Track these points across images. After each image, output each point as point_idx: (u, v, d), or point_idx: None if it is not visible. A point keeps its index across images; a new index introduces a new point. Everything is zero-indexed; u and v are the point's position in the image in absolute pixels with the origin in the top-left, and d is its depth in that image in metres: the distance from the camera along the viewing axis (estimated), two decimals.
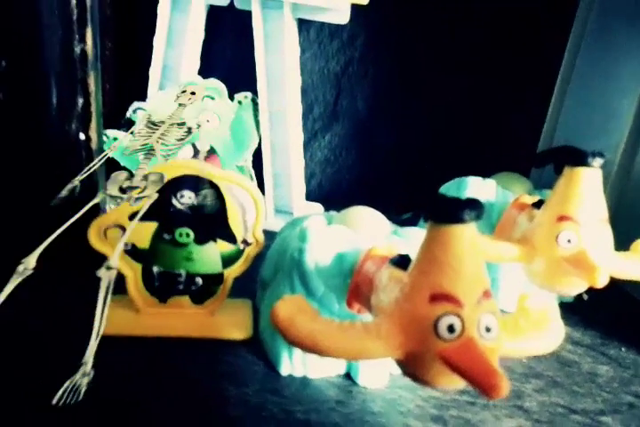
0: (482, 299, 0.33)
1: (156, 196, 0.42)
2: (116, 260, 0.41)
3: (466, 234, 0.33)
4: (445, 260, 0.33)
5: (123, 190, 0.43)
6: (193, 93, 0.46)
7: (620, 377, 0.53)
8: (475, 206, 0.33)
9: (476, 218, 0.33)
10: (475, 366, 0.31)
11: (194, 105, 0.65)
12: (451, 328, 0.32)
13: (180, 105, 0.51)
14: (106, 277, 0.41)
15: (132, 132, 0.45)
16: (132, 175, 0.43)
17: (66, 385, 0.40)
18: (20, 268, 0.41)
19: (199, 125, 0.46)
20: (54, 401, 0.39)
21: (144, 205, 0.43)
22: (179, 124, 0.46)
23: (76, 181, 0.46)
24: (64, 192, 0.46)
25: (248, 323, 0.53)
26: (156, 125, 0.46)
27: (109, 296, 0.41)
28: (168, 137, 0.46)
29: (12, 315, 0.43)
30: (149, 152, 0.45)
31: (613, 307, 0.64)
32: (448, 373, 0.33)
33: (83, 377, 0.40)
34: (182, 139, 0.48)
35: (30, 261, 0.41)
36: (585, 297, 0.51)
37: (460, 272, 0.33)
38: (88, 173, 0.46)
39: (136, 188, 0.42)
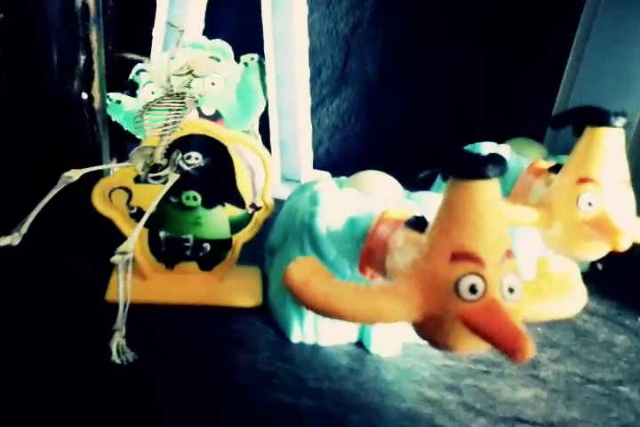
0: (504, 258, 0.32)
1: (177, 176, 0.42)
2: (132, 245, 0.41)
3: (489, 190, 0.31)
4: (467, 217, 0.31)
5: (147, 166, 0.42)
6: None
7: (636, 347, 0.52)
8: (498, 162, 0.32)
9: (499, 174, 0.31)
10: (499, 327, 0.30)
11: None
12: (473, 289, 0.31)
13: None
14: (121, 263, 0.40)
15: (148, 108, 0.44)
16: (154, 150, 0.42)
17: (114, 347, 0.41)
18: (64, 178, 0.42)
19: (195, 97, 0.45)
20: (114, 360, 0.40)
21: (167, 185, 0.42)
22: (178, 97, 0.45)
23: None
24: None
25: (257, 290, 0.52)
26: (167, 99, 0.45)
27: (129, 275, 0.41)
28: (182, 111, 0.45)
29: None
30: (168, 128, 0.44)
31: (629, 276, 0.63)
32: (469, 335, 0.31)
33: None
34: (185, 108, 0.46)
35: (77, 173, 0.42)
36: (599, 267, 0.50)
37: (483, 230, 0.31)
38: None
39: (159, 166, 0.41)
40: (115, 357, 0.40)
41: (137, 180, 0.47)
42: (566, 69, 0.77)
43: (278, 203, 0.53)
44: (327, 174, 0.78)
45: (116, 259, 0.40)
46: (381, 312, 0.33)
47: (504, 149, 0.62)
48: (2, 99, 0.46)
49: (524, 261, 0.52)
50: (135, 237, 0.41)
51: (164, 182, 0.45)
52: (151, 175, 0.44)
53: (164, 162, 0.44)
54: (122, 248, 0.41)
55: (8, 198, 0.49)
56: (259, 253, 0.54)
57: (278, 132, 0.72)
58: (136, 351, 0.42)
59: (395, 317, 0.33)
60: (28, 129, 0.48)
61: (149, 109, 0.43)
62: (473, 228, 0.31)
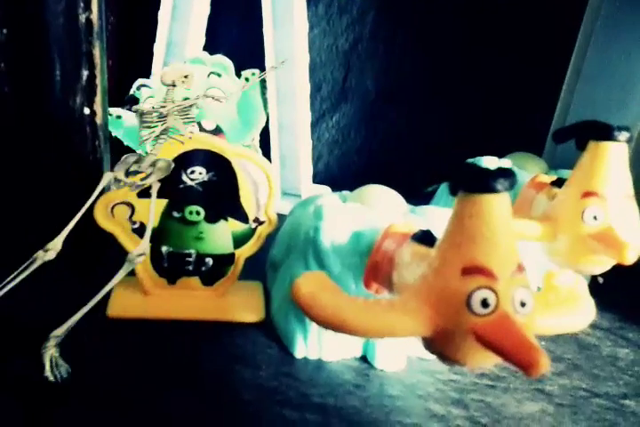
0: (516, 272, 0.31)
1: (157, 185, 0.41)
2: (147, 246, 0.41)
3: (499, 204, 0.31)
4: (478, 231, 0.31)
5: (128, 174, 0.42)
6: (186, 77, 0.45)
7: None
8: (508, 176, 0.31)
9: (509, 187, 0.31)
10: (512, 341, 0.29)
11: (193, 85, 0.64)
12: (484, 303, 0.31)
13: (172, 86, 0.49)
14: (132, 263, 0.41)
15: (143, 123, 0.44)
16: (140, 159, 0.42)
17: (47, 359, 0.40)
18: (41, 254, 0.41)
19: (198, 98, 0.45)
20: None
21: (152, 194, 0.42)
22: (182, 108, 0.45)
23: None
24: None
25: (260, 305, 0.52)
26: (161, 112, 0.45)
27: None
28: (177, 122, 0.45)
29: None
30: (160, 138, 0.44)
31: (630, 289, 0.63)
32: (480, 350, 0.31)
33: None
34: (189, 119, 0.46)
35: (57, 244, 0.41)
36: (600, 280, 0.50)
37: (494, 244, 0.31)
38: None
39: (140, 173, 0.41)
40: (47, 372, 0.39)
41: (139, 195, 0.47)
42: (565, 84, 0.78)
43: (279, 217, 0.52)
44: (327, 189, 0.78)
45: (132, 259, 0.41)
46: (391, 327, 0.32)
47: (505, 164, 0.62)
48: (5, 113, 0.46)
49: (531, 275, 0.52)
50: (148, 239, 0.41)
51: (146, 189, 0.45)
52: (129, 180, 0.43)
53: (148, 170, 0.43)
54: (138, 250, 0.41)
55: (9, 213, 0.49)
56: (260, 268, 0.54)
57: (279, 147, 0.72)
58: (138, 367, 0.42)
59: (405, 331, 0.33)
60: (30, 144, 0.48)
61: (141, 122, 0.44)
62: (484, 242, 0.31)
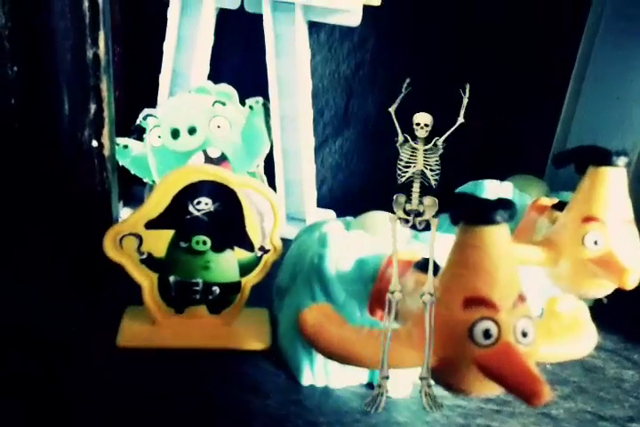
0: (517, 302, 0.32)
1: (436, 221, 0.42)
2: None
3: (499, 235, 0.32)
4: (479, 262, 0.32)
5: (406, 213, 0.43)
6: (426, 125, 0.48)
7: None
8: (507, 207, 0.32)
9: (509, 219, 0.32)
10: (514, 372, 0.30)
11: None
12: (487, 333, 0.31)
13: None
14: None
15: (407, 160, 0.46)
16: (409, 198, 0.43)
17: None
18: None
19: (436, 144, 0.47)
20: None
21: (432, 229, 0.42)
22: (432, 148, 0.46)
23: None
24: None
25: (266, 332, 0.52)
26: (418, 146, 0.46)
27: None
28: (431, 161, 0.46)
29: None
30: (419, 177, 0.45)
31: (633, 310, 0.63)
32: (484, 380, 0.31)
33: None
34: (437, 161, 0.48)
35: None
36: (604, 301, 0.50)
37: (495, 275, 0.32)
38: None
39: (418, 212, 0.42)
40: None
41: (147, 225, 0.48)
42: (564, 105, 0.78)
43: (284, 242, 0.53)
44: (332, 213, 0.78)
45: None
46: (396, 358, 0.33)
47: (506, 187, 0.62)
48: (14, 148, 0.47)
49: (534, 300, 0.53)
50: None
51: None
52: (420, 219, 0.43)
53: (420, 208, 0.43)
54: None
55: (17, 245, 0.49)
56: (266, 294, 0.54)
57: (283, 173, 0.73)
58: (145, 396, 0.42)
59: (409, 362, 0.33)
60: (39, 177, 0.48)
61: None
62: (485, 273, 0.32)
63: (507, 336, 0.31)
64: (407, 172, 0.45)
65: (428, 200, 0.42)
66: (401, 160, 0.46)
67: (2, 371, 0.45)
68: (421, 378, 0.35)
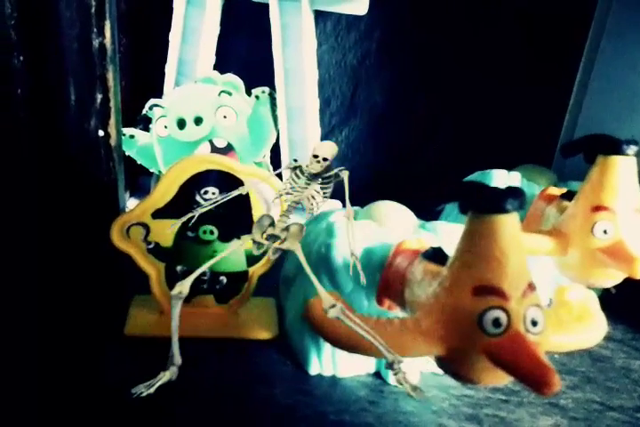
0: (527, 291, 0.32)
1: (298, 247, 0.41)
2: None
3: (509, 224, 0.32)
4: (489, 251, 0.32)
5: (266, 237, 0.42)
6: (325, 160, 0.45)
7: None
8: (517, 195, 0.32)
9: (519, 207, 0.32)
10: (524, 361, 0.30)
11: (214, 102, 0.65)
12: (496, 322, 0.31)
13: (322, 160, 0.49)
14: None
15: (290, 187, 0.44)
16: (273, 222, 0.42)
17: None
18: (176, 291, 0.42)
19: (338, 175, 0.45)
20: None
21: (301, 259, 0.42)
22: (323, 179, 0.45)
23: None
24: None
25: (273, 322, 0.52)
26: (303, 178, 0.45)
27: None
28: (317, 194, 0.45)
29: None
30: (294, 204, 0.44)
31: None
32: (493, 369, 0.31)
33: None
34: (326, 194, 0.47)
35: (185, 286, 0.42)
36: (612, 291, 0.50)
37: (505, 264, 0.31)
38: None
39: (277, 237, 0.41)
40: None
41: (154, 215, 0.48)
42: (572, 95, 0.78)
43: None
44: (337, 203, 0.78)
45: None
46: (404, 347, 0.33)
47: (515, 176, 0.62)
48: (21, 138, 0.47)
49: (543, 289, 0.53)
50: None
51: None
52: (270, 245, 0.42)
53: (283, 235, 0.41)
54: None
55: (24, 235, 0.49)
56: (273, 283, 0.54)
57: (289, 163, 0.73)
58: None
59: (418, 351, 0.33)
60: (45, 166, 0.48)
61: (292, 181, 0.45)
62: (495, 262, 0.31)
63: (516, 325, 0.31)
64: (287, 200, 0.44)
65: (294, 228, 0.41)
66: (284, 185, 0.45)
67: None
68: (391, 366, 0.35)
